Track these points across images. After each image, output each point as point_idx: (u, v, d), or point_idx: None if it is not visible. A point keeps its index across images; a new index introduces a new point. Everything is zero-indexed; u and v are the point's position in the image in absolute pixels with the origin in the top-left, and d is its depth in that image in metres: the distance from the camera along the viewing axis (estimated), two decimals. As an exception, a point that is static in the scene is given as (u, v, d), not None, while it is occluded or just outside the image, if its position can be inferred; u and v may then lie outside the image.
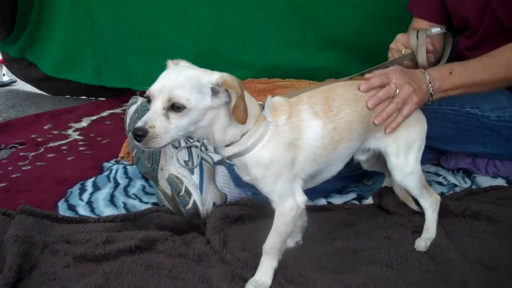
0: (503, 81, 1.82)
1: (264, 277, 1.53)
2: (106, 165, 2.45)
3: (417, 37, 1.86)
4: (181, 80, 1.36)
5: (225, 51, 3.11)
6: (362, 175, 2.15)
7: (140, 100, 2.08)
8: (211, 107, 1.39)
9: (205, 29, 3.04)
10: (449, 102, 1.98)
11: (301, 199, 1.53)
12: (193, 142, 2.03)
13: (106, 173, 2.36)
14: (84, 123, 3.03)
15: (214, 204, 1.93)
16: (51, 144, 2.72)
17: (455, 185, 2.11)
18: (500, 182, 2.11)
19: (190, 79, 1.37)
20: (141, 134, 1.32)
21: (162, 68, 3.09)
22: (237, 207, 1.89)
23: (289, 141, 1.47)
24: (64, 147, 2.69)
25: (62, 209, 2.07)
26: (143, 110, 1.98)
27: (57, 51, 3.26)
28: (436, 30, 1.86)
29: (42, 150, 2.65)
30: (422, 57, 1.83)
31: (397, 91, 1.63)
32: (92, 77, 3.26)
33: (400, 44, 1.91)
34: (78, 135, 2.86)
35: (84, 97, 3.60)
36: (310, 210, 1.94)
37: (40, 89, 3.68)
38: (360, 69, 3.03)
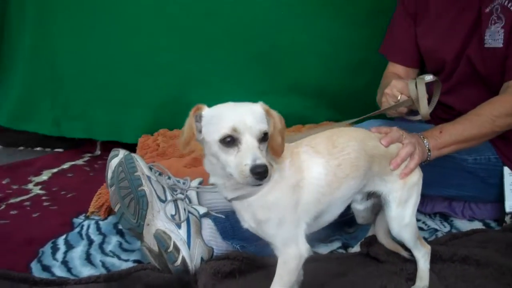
0: (491, 134, 1.92)
1: None
2: (76, 221, 2.33)
3: (416, 86, 1.87)
4: (254, 111, 1.40)
5: (189, 99, 3.05)
6: (343, 223, 2.15)
7: (121, 153, 2.01)
8: None
9: (168, 77, 3.00)
10: None
11: (304, 247, 1.52)
12: (177, 194, 1.98)
13: (77, 229, 2.25)
14: (45, 176, 2.90)
15: (202, 259, 1.87)
16: (12, 200, 2.57)
17: (436, 230, 2.15)
18: (478, 225, 2.18)
19: (255, 109, 1.41)
20: (265, 171, 1.30)
21: (126, 117, 3.05)
22: (228, 261, 1.83)
23: (294, 183, 1.48)
24: (27, 203, 2.55)
25: (36, 271, 1.94)
26: (128, 164, 1.91)
27: (14, 101, 3.12)
28: (429, 78, 1.89)
29: (3, 207, 2.50)
30: (424, 107, 1.85)
31: (405, 138, 1.68)
32: (52, 128, 3.14)
33: (395, 90, 1.95)
34: (40, 189, 2.72)
35: (39, 148, 3.45)
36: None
37: (-7, 141, 3.50)
38: (327, 116, 3.11)
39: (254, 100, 3.01)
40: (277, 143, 1.41)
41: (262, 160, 1.32)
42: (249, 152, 1.34)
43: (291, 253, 1.49)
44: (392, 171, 1.65)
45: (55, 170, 2.98)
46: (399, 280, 1.74)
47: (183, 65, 3.03)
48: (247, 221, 1.53)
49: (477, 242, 1.97)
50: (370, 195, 1.71)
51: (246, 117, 1.37)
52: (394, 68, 2.33)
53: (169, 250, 1.81)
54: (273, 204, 1.46)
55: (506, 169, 2.11)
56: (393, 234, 1.72)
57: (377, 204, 1.75)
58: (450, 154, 2.05)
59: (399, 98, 1.93)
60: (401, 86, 1.94)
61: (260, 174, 1.31)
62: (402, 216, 1.65)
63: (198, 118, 1.45)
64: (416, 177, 1.70)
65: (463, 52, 2.11)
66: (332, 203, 1.57)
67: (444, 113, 2.29)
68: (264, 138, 1.38)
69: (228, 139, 1.35)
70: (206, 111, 1.45)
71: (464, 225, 2.17)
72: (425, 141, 1.80)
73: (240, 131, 1.35)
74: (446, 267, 1.81)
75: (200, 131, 1.45)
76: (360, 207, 1.76)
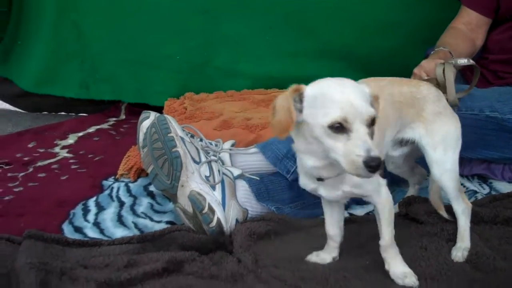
0: None
1: (402, 267, 1.53)
2: (106, 183, 2.31)
3: (444, 70, 1.79)
4: (363, 93, 1.31)
5: (219, 62, 3.03)
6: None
7: (153, 114, 1.97)
8: None
9: (198, 39, 2.95)
10: (469, 106, 1.98)
11: (386, 188, 1.53)
12: (210, 156, 1.94)
13: (107, 191, 2.23)
14: (71, 140, 2.87)
15: (237, 220, 1.84)
16: (40, 163, 2.56)
17: (475, 192, 2.10)
18: (518, 186, 2.12)
19: (363, 91, 1.32)
20: (379, 164, 1.24)
21: (153, 80, 3.02)
22: (263, 222, 1.80)
23: None
24: (55, 166, 2.53)
25: (69, 232, 1.93)
26: (161, 125, 1.87)
27: (38, 65, 3.09)
28: (463, 61, 1.81)
29: (31, 169, 2.48)
30: (451, 94, 1.77)
31: None
32: (80, 91, 3.11)
33: (423, 72, 1.88)
34: (67, 152, 2.70)
35: (63, 113, 3.43)
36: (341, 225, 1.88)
37: (15, 106, 3.48)
38: (355, 78, 3.03)
39: (283, 62, 2.98)
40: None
41: (376, 151, 1.24)
42: (361, 141, 1.25)
43: (384, 194, 1.51)
44: (418, 119, 1.63)
45: (80, 134, 2.95)
46: (440, 241, 1.70)
47: (213, 27, 2.98)
48: (339, 189, 1.47)
49: (520, 203, 1.91)
50: (405, 142, 1.68)
51: (357, 101, 1.27)
52: (467, 15, 2.25)
53: (204, 211, 1.78)
54: None
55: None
56: (435, 179, 1.68)
57: (414, 152, 1.73)
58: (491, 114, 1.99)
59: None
60: (429, 67, 1.86)
61: (374, 167, 1.24)
62: (442, 160, 1.63)
63: (297, 99, 1.34)
64: (454, 123, 1.67)
65: None
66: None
67: (503, 66, 2.24)
68: (371, 123, 1.30)
69: (337, 125, 1.27)
70: (308, 91, 1.34)
71: (504, 186, 2.11)
72: None
73: (351, 118, 1.26)
74: (489, 228, 1.76)
75: (300, 111, 1.34)
76: (395, 154, 1.72)
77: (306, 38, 2.95)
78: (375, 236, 1.78)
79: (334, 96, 1.29)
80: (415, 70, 1.93)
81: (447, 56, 1.98)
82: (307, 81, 3.09)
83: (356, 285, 1.53)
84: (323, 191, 1.49)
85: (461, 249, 1.63)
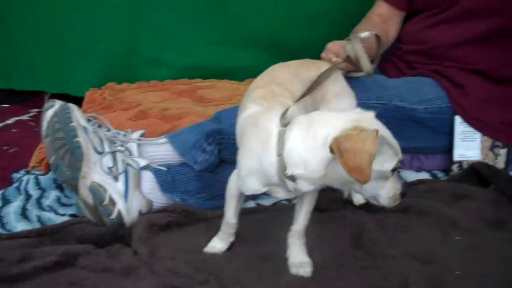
0: None
1: (302, 256, 1.58)
2: (16, 175, 2.24)
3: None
4: None
5: (143, 52, 2.96)
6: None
7: (57, 104, 1.92)
8: None
9: (122, 28, 2.86)
10: (379, 96, 2.00)
11: None
12: (117, 146, 1.91)
13: (15, 184, 2.15)
14: (-13, 132, 2.78)
15: (140, 212, 1.82)
16: (-48, 156, 2.47)
17: (383, 181, 2.13)
18: (425, 175, 2.15)
19: None
20: None
21: (76, 69, 2.94)
22: (165, 214, 1.79)
23: None
24: (-33, 158, 2.45)
25: (-30, 227, 1.87)
26: (63, 114, 1.82)
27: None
28: (365, 34, 1.81)
29: None
30: (367, 65, 1.78)
31: None
32: (1, 81, 3.01)
33: (331, 54, 1.87)
34: (-18, 145, 2.62)
35: (-14, 104, 3.32)
36: (240, 213, 1.88)
37: None
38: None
39: (209, 52, 2.95)
40: None
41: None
42: (398, 178, 1.40)
43: None
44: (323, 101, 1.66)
45: (-1, 125, 2.87)
46: (338, 228, 1.72)
47: (137, 15, 2.90)
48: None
49: (421, 192, 1.95)
50: None
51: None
52: (380, 7, 2.27)
53: (104, 203, 1.75)
54: None
55: (457, 118, 2.08)
56: None
57: None
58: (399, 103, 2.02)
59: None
60: (336, 48, 1.86)
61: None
62: None
63: None
64: (344, 104, 1.71)
65: None
66: None
67: (413, 55, 2.26)
68: None
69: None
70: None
71: (411, 175, 2.14)
72: None
73: None
74: (387, 217, 1.78)
75: None
76: None
77: (232, 27, 2.91)
78: (278, 225, 1.80)
79: (391, 141, 1.35)
80: (323, 55, 1.92)
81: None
82: (233, 70, 3.09)
83: (249, 275, 1.53)
84: (282, 194, 1.50)
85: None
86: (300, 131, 1.35)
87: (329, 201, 1.84)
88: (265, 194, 2.01)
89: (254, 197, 2.04)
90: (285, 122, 1.40)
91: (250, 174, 1.46)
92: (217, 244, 1.65)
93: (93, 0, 2.85)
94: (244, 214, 1.86)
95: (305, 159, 1.33)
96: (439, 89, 2.08)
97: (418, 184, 2.01)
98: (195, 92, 2.67)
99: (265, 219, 1.85)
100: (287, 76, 1.66)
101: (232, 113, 1.95)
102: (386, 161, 1.32)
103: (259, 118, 1.47)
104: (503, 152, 2.16)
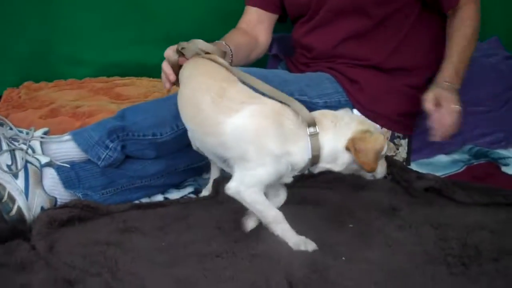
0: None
1: None
2: None
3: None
4: None
5: (62, 50, 2.95)
6: (201, 169, 2.16)
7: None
8: None
9: (40, 27, 2.87)
10: (281, 90, 2.05)
11: None
12: (19, 144, 1.91)
13: None
14: None
15: (43, 208, 1.84)
16: None
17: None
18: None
19: None
20: None
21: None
22: (66, 209, 1.81)
23: None
24: None
25: None
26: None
27: None
28: (205, 45, 1.87)
29: None
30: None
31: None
32: None
33: (168, 68, 1.95)
34: None
35: None
36: (145, 207, 1.93)
37: None
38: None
39: (127, 50, 2.97)
40: None
41: None
42: None
43: None
44: None
45: None
46: (237, 218, 1.77)
47: (53, 15, 2.90)
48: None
49: (322, 182, 2.03)
50: None
51: None
52: (248, 14, 2.34)
53: (3, 200, 1.76)
54: None
55: (355, 111, 2.17)
56: None
57: None
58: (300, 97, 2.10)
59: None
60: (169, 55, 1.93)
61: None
62: None
63: None
64: None
65: None
66: None
67: (303, 57, 2.35)
68: None
69: None
70: None
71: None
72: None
73: None
74: (284, 207, 1.85)
75: None
76: None
77: (149, 25, 2.95)
78: (181, 218, 1.86)
79: None
80: (162, 75, 1.98)
81: (221, 47, 2.01)
82: (152, 68, 3.10)
83: (143, 266, 1.57)
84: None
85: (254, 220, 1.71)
86: (331, 134, 1.60)
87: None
88: (175, 188, 2.08)
89: (162, 191, 2.09)
90: (305, 121, 1.59)
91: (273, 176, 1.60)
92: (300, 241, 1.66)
93: (10, 1, 2.84)
94: (150, 208, 1.92)
95: (335, 157, 1.61)
96: (337, 84, 2.17)
97: (318, 175, 2.07)
98: (112, 89, 2.69)
99: (169, 212, 1.90)
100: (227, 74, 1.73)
101: (137, 110, 2.01)
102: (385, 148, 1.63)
103: (279, 119, 1.58)
104: (404, 142, 2.27)
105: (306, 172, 1.73)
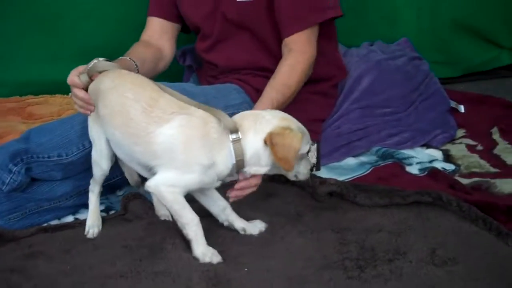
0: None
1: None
2: None
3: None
4: None
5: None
6: (113, 186, 2.16)
7: None
8: None
9: None
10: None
11: None
12: None
13: None
14: None
15: None
16: None
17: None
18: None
19: None
20: None
21: None
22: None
23: None
24: None
25: None
26: None
27: None
28: (104, 64, 1.86)
29: None
30: None
31: None
32: None
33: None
34: None
35: None
36: (53, 229, 1.91)
37: None
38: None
39: (41, 68, 2.92)
40: None
41: None
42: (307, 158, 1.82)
43: None
44: None
45: None
46: (145, 236, 1.80)
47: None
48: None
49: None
50: None
51: None
52: (151, 25, 2.34)
53: None
54: None
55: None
56: None
57: None
58: None
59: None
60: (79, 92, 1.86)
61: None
62: None
63: None
64: None
65: (216, 10, 2.17)
66: None
67: (211, 70, 2.37)
68: None
69: None
70: None
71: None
72: None
73: None
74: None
75: None
76: None
77: (63, 41, 2.93)
78: (87, 239, 1.85)
79: (306, 133, 1.73)
80: (76, 92, 1.89)
81: (126, 63, 2.03)
82: (65, 84, 3.04)
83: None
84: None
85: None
86: (252, 134, 1.64)
87: (144, 209, 1.95)
88: (86, 208, 2.07)
89: (73, 212, 2.07)
90: (227, 128, 1.63)
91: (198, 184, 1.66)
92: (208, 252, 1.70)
93: None
94: (57, 230, 1.91)
95: (259, 158, 1.65)
96: (245, 95, 2.21)
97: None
98: (25, 109, 2.66)
99: (77, 233, 1.88)
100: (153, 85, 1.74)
101: (41, 131, 1.98)
102: (304, 147, 1.67)
103: (205, 129, 1.63)
104: (313, 148, 2.32)
105: (236, 178, 1.75)
